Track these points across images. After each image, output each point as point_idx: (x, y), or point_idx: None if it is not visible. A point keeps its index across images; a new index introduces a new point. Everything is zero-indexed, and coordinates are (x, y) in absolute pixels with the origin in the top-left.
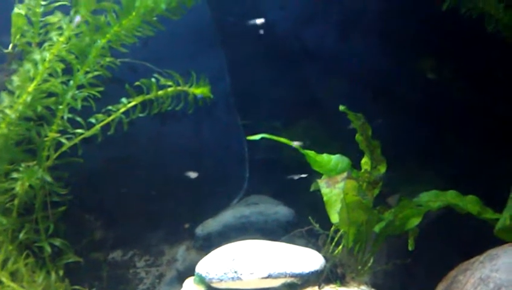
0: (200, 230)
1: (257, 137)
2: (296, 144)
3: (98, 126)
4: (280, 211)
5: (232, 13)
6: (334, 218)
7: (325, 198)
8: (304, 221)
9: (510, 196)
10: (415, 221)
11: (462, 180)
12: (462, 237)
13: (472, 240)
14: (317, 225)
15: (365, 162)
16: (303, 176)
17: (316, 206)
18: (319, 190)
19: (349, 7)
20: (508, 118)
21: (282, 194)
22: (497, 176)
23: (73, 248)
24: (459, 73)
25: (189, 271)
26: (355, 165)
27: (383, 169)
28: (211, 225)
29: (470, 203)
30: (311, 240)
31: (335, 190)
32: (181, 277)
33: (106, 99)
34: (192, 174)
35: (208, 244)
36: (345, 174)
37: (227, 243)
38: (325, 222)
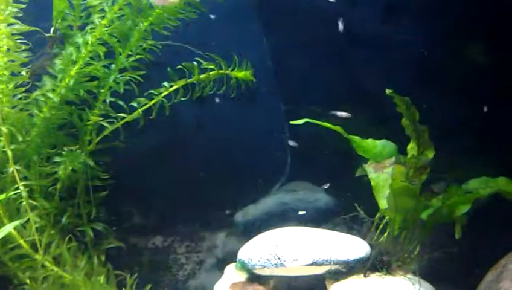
0: (240, 217)
1: (300, 122)
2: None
3: (140, 110)
4: (321, 198)
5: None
6: (383, 203)
7: (372, 183)
8: (345, 208)
9: None
10: (464, 208)
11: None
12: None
13: None
14: (362, 212)
15: (412, 147)
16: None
17: (358, 193)
18: (363, 176)
19: None
20: None
21: (323, 180)
22: None
23: (114, 233)
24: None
25: (229, 258)
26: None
27: (430, 154)
28: (251, 211)
29: None
30: (354, 227)
31: (383, 175)
32: (220, 264)
33: (148, 83)
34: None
35: (248, 231)
36: (393, 159)
37: (267, 230)
38: (368, 209)
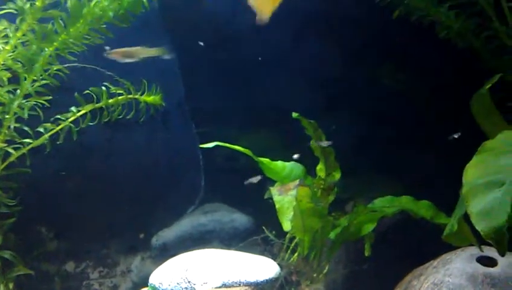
0: (155, 240)
1: (210, 145)
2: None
3: (46, 135)
4: (237, 218)
5: (185, 22)
6: (287, 226)
7: (277, 206)
8: (262, 229)
9: (458, 202)
10: (370, 226)
11: (418, 186)
12: (417, 242)
13: (427, 244)
14: (272, 233)
15: (320, 169)
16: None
17: (275, 213)
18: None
19: (303, 14)
20: (463, 124)
21: (240, 202)
22: (452, 182)
23: (24, 260)
24: (415, 80)
25: (145, 282)
26: (313, 172)
27: (337, 175)
28: (167, 234)
29: (423, 208)
30: (267, 247)
31: (287, 197)
32: (136, 288)
33: (57, 108)
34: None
35: (164, 254)
36: (297, 182)
37: (184, 252)
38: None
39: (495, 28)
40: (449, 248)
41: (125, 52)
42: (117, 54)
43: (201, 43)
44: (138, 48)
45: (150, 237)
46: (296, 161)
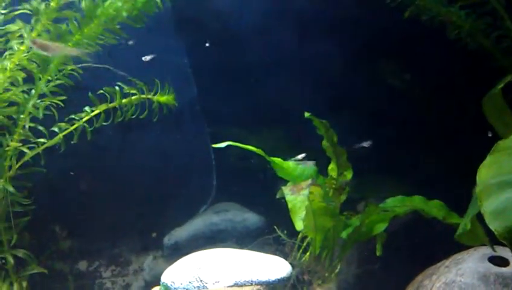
0: (167, 239)
1: (223, 145)
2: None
3: (61, 135)
4: (249, 218)
5: (196, 22)
6: (299, 225)
7: (289, 205)
8: (274, 228)
9: (471, 202)
10: (382, 226)
11: (429, 186)
12: (430, 242)
13: (439, 244)
14: (283, 233)
15: (332, 168)
16: None
17: (287, 213)
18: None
19: (307, 15)
20: (471, 122)
21: (252, 201)
22: (464, 182)
23: (37, 259)
24: (423, 79)
25: (157, 281)
26: (324, 172)
27: (349, 175)
28: (179, 233)
29: (435, 208)
30: (279, 247)
31: (300, 196)
32: (148, 287)
33: (71, 108)
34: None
35: (176, 253)
36: (309, 181)
37: (195, 251)
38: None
39: (506, 27)
40: (461, 247)
41: (43, 45)
42: (36, 44)
43: (208, 44)
44: (58, 44)
45: (162, 236)
46: (302, 160)
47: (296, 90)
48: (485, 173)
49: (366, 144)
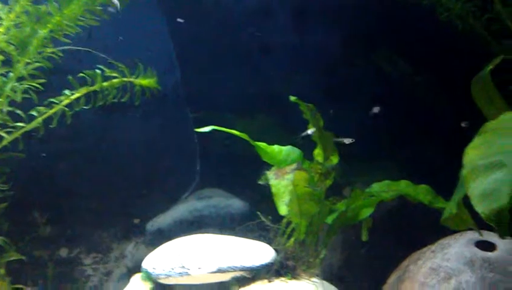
0: (150, 225)
1: (207, 129)
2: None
3: (40, 119)
4: (233, 204)
5: (181, 6)
6: (283, 210)
7: (273, 189)
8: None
9: (457, 186)
10: (368, 211)
11: (417, 172)
12: (416, 227)
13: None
14: (267, 218)
15: (318, 153)
16: None
17: (272, 198)
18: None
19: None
20: (458, 109)
21: (236, 187)
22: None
23: (16, 246)
24: (415, 66)
25: (139, 267)
26: (310, 157)
27: (335, 160)
28: (162, 219)
29: (421, 193)
30: (263, 233)
31: (283, 181)
32: (131, 273)
33: (51, 92)
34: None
35: (159, 239)
36: (294, 165)
37: (178, 237)
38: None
39: (496, 10)
40: (448, 232)
41: None
42: None
43: (181, 20)
44: None
45: (144, 222)
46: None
47: (284, 75)
48: (473, 154)
49: (347, 141)
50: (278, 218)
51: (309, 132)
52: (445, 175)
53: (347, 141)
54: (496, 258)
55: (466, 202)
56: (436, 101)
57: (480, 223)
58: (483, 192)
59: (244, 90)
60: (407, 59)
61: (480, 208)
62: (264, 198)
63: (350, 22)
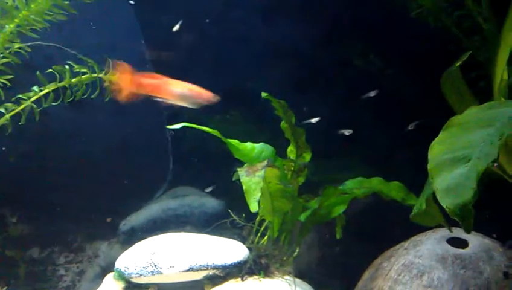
0: (123, 224)
1: (178, 126)
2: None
3: (7, 116)
4: (207, 202)
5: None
6: (254, 207)
7: (244, 187)
8: (234, 212)
9: (426, 182)
10: (340, 209)
11: (390, 169)
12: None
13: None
14: (239, 216)
15: (290, 150)
16: None
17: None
18: None
19: None
20: (431, 104)
21: (210, 185)
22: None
23: None
24: (387, 62)
25: (113, 267)
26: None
27: (308, 157)
28: (135, 218)
29: (394, 190)
30: (237, 231)
31: (254, 178)
32: (104, 273)
33: (19, 88)
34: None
35: (132, 238)
36: (265, 162)
37: (152, 237)
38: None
39: (468, 8)
40: (422, 229)
41: None
42: None
43: (132, 2)
44: None
45: (117, 221)
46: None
47: (257, 70)
48: (437, 149)
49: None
50: (252, 216)
51: (313, 120)
52: (418, 172)
53: (347, 132)
54: (468, 254)
55: (436, 197)
56: (411, 98)
57: (452, 220)
58: (447, 187)
59: (217, 85)
60: (378, 53)
61: (445, 202)
62: (239, 196)
63: (323, 17)
